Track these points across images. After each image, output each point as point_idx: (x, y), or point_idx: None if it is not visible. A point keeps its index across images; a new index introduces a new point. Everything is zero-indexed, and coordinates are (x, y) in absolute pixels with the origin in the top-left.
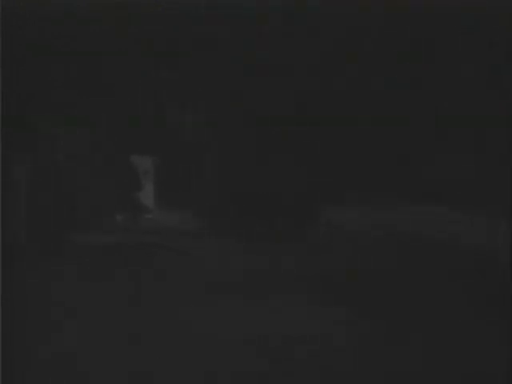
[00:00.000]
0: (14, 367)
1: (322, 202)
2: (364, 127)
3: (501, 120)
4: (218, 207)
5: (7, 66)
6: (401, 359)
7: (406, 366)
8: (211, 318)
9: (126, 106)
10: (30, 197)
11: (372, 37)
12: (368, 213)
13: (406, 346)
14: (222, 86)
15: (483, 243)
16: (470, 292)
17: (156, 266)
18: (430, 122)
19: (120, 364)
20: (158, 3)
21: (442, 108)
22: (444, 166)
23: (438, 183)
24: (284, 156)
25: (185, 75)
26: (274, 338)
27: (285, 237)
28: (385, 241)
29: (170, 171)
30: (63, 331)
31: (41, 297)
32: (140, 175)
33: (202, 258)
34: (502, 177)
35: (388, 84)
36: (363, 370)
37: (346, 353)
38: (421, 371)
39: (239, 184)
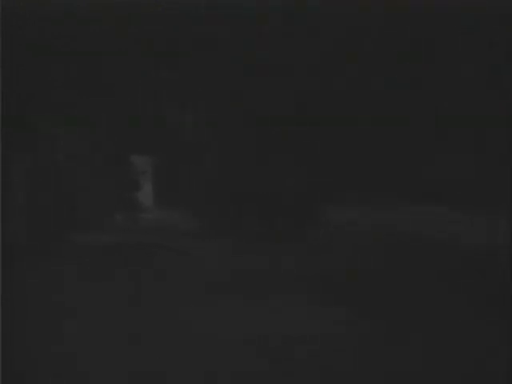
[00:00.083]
0: (14, 367)
1: (322, 202)
2: (364, 127)
3: (501, 120)
4: (218, 207)
5: (7, 66)
6: (401, 359)
7: (405, 366)
8: (211, 318)
9: (126, 106)
10: (29, 197)
11: (372, 37)
12: (368, 213)
13: (405, 345)
14: (222, 86)
15: (483, 243)
16: (470, 292)
17: (156, 265)
18: (430, 122)
19: (120, 364)
20: (157, 3)
21: (441, 108)
22: (444, 166)
23: (437, 183)
24: (284, 156)
25: (185, 75)
26: (274, 338)
27: (285, 237)
28: (385, 241)
29: (170, 171)
30: (63, 331)
31: (41, 297)
32: (140, 175)
33: (202, 258)
34: (502, 177)
35: (388, 84)
36: (363, 370)
37: (345, 353)
38: (421, 371)
39: (239, 184)
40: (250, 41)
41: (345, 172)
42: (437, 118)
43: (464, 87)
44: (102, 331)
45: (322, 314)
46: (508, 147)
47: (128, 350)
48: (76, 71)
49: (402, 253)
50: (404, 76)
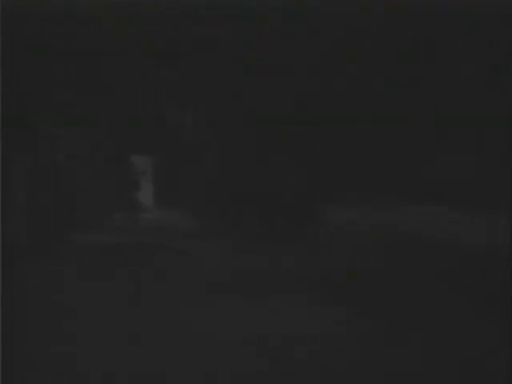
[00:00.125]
0: (14, 367)
1: (322, 202)
2: (364, 127)
3: (501, 120)
4: (218, 207)
5: (7, 66)
6: (401, 359)
7: (406, 366)
8: (211, 318)
9: (126, 106)
10: (29, 197)
11: (372, 37)
12: (368, 213)
13: (405, 345)
14: (222, 86)
15: (483, 243)
16: (470, 292)
17: (156, 265)
18: (430, 122)
19: (120, 364)
20: (157, 3)
21: (441, 108)
22: (444, 166)
23: (437, 183)
24: (284, 156)
25: (185, 75)
26: (274, 338)
27: (285, 237)
28: (385, 241)
29: (170, 171)
30: (63, 331)
31: (41, 297)
32: (140, 175)
33: (202, 258)
34: (501, 177)
35: (388, 84)
36: (363, 369)
37: (345, 353)
38: (421, 371)
39: (239, 184)
40: (250, 41)
41: (345, 172)
42: (437, 117)
43: (464, 87)
44: (102, 331)
45: (321, 313)
46: (508, 147)
47: (128, 350)
48: (76, 71)
49: (402, 253)
50: (404, 76)
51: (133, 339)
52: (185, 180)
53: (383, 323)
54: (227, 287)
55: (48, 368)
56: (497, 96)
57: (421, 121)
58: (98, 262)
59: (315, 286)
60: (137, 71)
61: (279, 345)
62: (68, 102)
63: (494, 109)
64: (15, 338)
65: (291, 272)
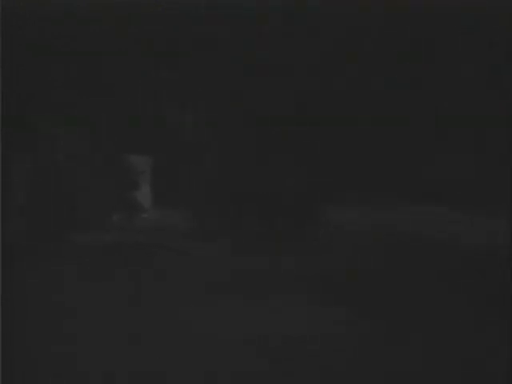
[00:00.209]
0: (14, 367)
1: (322, 202)
2: (364, 127)
3: (501, 120)
4: (218, 207)
5: (7, 66)
6: (401, 359)
7: (406, 366)
8: (211, 318)
9: (126, 106)
10: (29, 197)
11: (372, 37)
12: (368, 213)
13: (405, 345)
14: (222, 85)
15: (483, 243)
16: (470, 292)
17: (156, 265)
18: (430, 122)
19: (120, 364)
20: (157, 3)
21: (441, 108)
22: (444, 166)
23: (438, 183)
24: (284, 156)
25: (185, 75)
26: (274, 338)
27: (285, 237)
28: (385, 241)
29: (169, 171)
30: (63, 331)
31: (41, 297)
32: (140, 175)
33: (202, 258)
34: (501, 177)
35: (388, 84)
36: (363, 369)
37: (345, 353)
38: (421, 371)
39: (239, 184)
40: (250, 41)
41: (345, 172)
42: (437, 117)
43: (464, 87)
44: (102, 331)
45: (321, 314)
46: (508, 147)
47: (128, 350)
48: (76, 71)
49: (402, 253)
50: (404, 76)
51: (133, 339)
52: (185, 180)
53: (383, 323)
54: (227, 287)
55: (48, 368)
56: (497, 96)
57: (421, 121)
58: (98, 262)
59: (315, 285)
60: (137, 71)
61: (279, 345)
62: (68, 102)
63: (494, 109)
64: (15, 338)
65: (291, 272)
